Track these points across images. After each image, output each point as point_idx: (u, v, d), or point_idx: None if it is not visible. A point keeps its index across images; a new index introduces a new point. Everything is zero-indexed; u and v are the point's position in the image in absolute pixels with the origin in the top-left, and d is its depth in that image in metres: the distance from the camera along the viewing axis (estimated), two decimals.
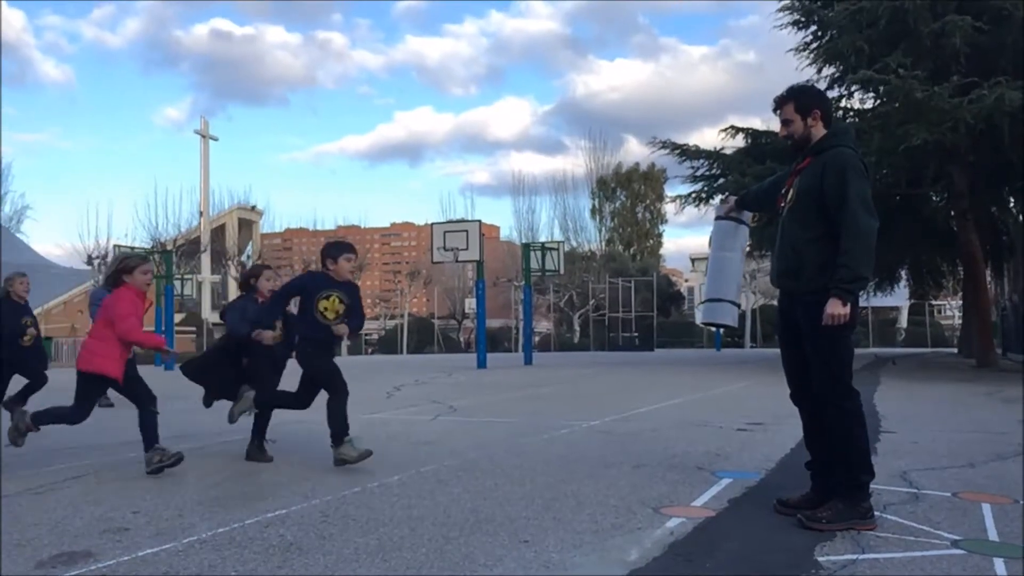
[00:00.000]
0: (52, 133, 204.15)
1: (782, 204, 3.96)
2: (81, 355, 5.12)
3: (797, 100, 3.89)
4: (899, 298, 39.41)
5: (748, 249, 27.55)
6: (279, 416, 6.24)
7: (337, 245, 5.45)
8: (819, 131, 3.85)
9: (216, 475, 5.05)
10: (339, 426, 5.06)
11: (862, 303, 3.99)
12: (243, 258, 44.80)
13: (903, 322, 55.44)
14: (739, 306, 4.57)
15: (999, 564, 3.13)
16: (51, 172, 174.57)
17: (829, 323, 3.59)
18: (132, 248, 27.32)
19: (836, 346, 3.71)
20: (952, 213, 19.86)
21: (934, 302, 49.18)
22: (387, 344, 50.38)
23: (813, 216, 3.74)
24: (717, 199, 20.44)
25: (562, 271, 28.20)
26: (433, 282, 52.25)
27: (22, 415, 5.30)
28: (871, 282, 23.74)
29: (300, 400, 5.45)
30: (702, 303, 4.70)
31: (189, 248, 39.58)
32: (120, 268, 5.15)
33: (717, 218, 4.55)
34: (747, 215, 4.50)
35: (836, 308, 3.58)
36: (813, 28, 19.52)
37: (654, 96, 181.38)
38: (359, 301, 5.43)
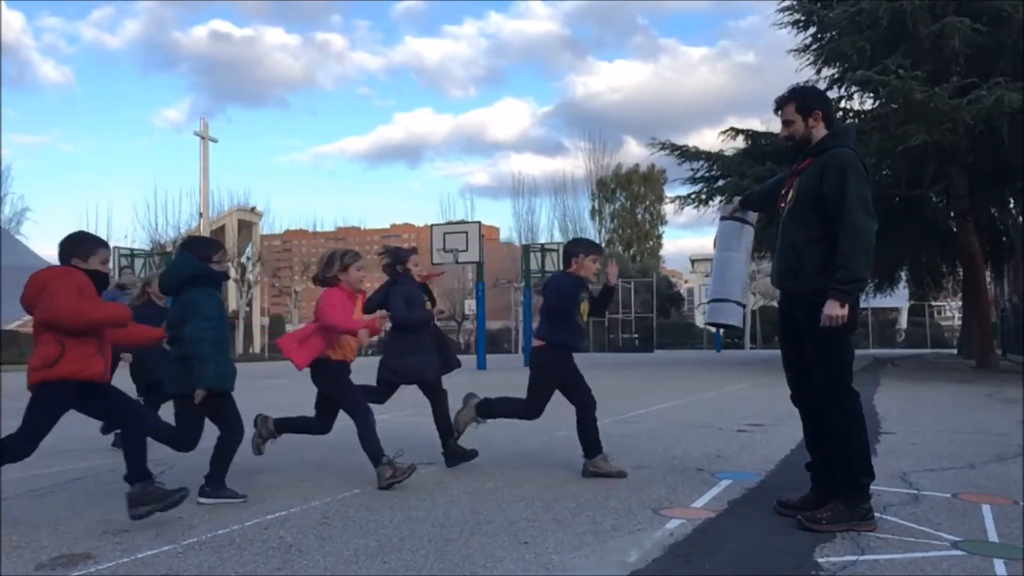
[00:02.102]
0: (51, 135, 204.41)
1: (782, 204, 3.96)
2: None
3: (798, 101, 3.88)
4: (899, 299, 39.45)
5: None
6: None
7: (587, 242, 5.19)
8: (820, 132, 3.85)
9: None
10: (594, 440, 4.91)
11: (862, 304, 3.99)
12: (243, 259, 44.74)
13: (903, 323, 55.44)
14: (743, 306, 4.56)
15: (999, 565, 3.13)
16: (51, 174, 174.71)
17: (827, 324, 3.59)
18: (131, 250, 27.32)
19: (836, 347, 3.71)
20: (952, 214, 19.87)
21: (934, 303, 49.22)
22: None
23: (813, 217, 3.73)
24: (717, 200, 20.48)
25: None
26: (433, 283, 52.29)
27: (264, 420, 4.94)
28: (870, 283, 23.80)
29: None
30: (706, 303, 4.67)
31: None
32: (331, 266, 4.82)
33: (721, 218, 4.56)
34: (752, 215, 4.49)
35: (834, 309, 3.58)
36: (813, 30, 19.55)
37: (653, 97, 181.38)
38: None
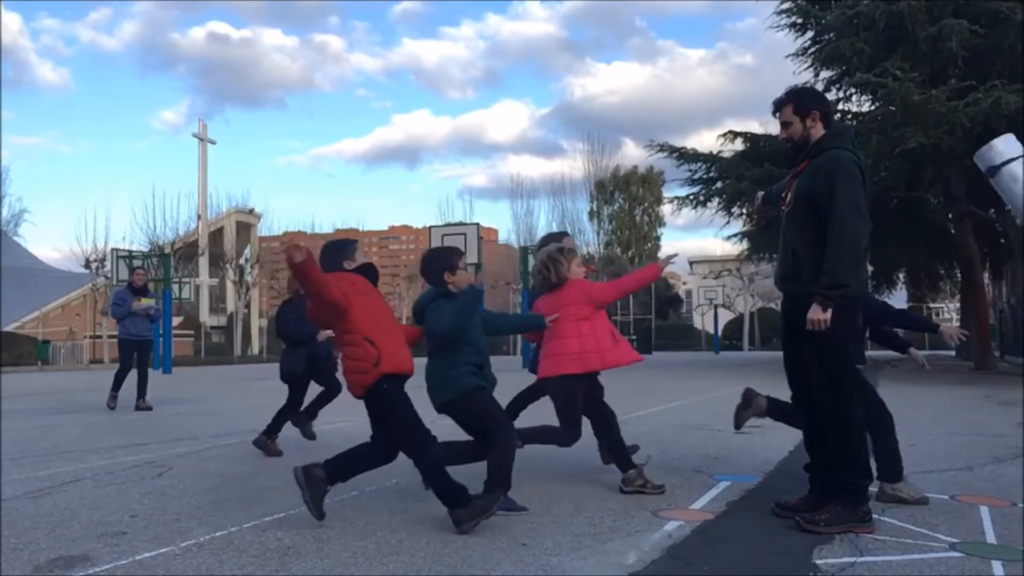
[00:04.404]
0: (49, 136, 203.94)
1: (782, 207, 3.96)
2: (547, 363, 4.57)
3: (796, 102, 3.88)
4: (897, 301, 39.41)
5: (746, 253, 27.13)
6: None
7: None
8: (818, 132, 3.84)
9: (213, 479, 5.04)
10: (896, 449, 4.35)
11: None
12: (241, 261, 44.74)
13: None
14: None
15: (997, 566, 3.13)
16: (49, 175, 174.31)
17: (811, 328, 3.61)
18: (130, 251, 27.30)
19: (835, 349, 3.71)
20: (950, 216, 19.90)
21: (932, 305, 49.23)
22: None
23: (810, 220, 3.73)
24: (715, 201, 20.53)
25: None
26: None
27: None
28: (870, 283, 23.77)
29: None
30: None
31: (187, 251, 39.53)
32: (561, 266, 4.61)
33: (755, 217, 4.56)
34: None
35: (816, 314, 3.60)
36: (811, 33, 19.57)
37: (652, 99, 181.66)
38: None
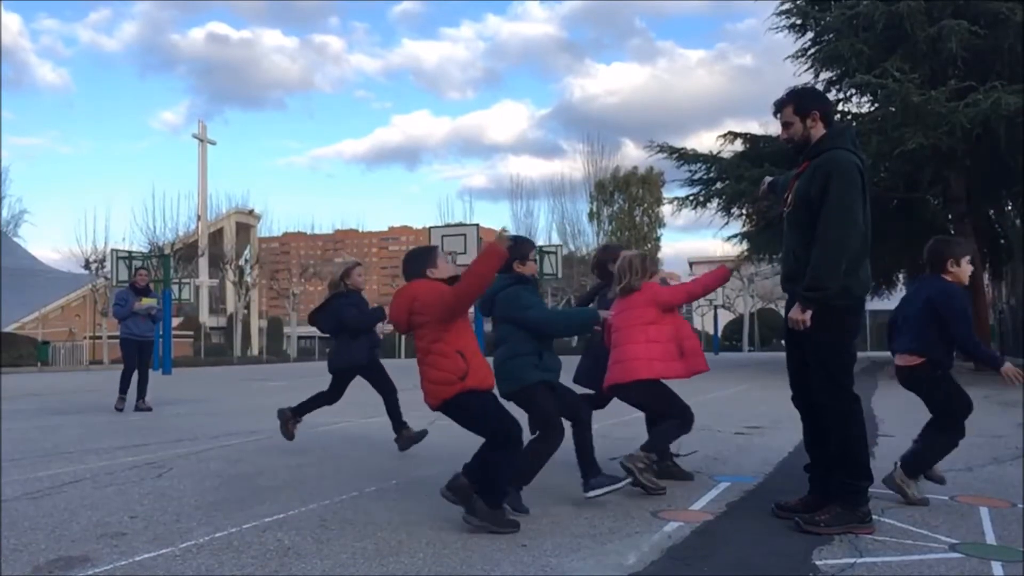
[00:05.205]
0: (49, 137, 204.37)
1: (784, 208, 3.96)
2: (616, 369, 4.59)
3: (796, 102, 3.87)
4: (896, 301, 39.43)
5: (746, 254, 27.05)
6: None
7: (957, 241, 4.54)
8: (819, 132, 3.82)
9: (213, 479, 5.04)
10: (933, 459, 4.39)
11: None
12: (241, 262, 44.71)
13: None
14: None
15: (997, 567, 3.13)
16: (49, 176, 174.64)
17: (792, 328, 3.66)
18: (130, 252, 27.24)
19: (835, 350, 3.71)
20: (950, 217, 19.88)
21: None
22: (386, 348, 50.03)
23: (808, 221, 3.72)
24: (715, 202, 20.51)
25: (560, 275, 28.24)
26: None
27: (638, 457, 4.37)
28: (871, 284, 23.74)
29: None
30: None
31: (187, 252, 39.52)
32: (638, 274, 4.60)
33: (754, 206, 4.57)
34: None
35: (795, 314, 3.64)
36: (810, 34, 19.56)
37: (651, 100, 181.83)
38: None
